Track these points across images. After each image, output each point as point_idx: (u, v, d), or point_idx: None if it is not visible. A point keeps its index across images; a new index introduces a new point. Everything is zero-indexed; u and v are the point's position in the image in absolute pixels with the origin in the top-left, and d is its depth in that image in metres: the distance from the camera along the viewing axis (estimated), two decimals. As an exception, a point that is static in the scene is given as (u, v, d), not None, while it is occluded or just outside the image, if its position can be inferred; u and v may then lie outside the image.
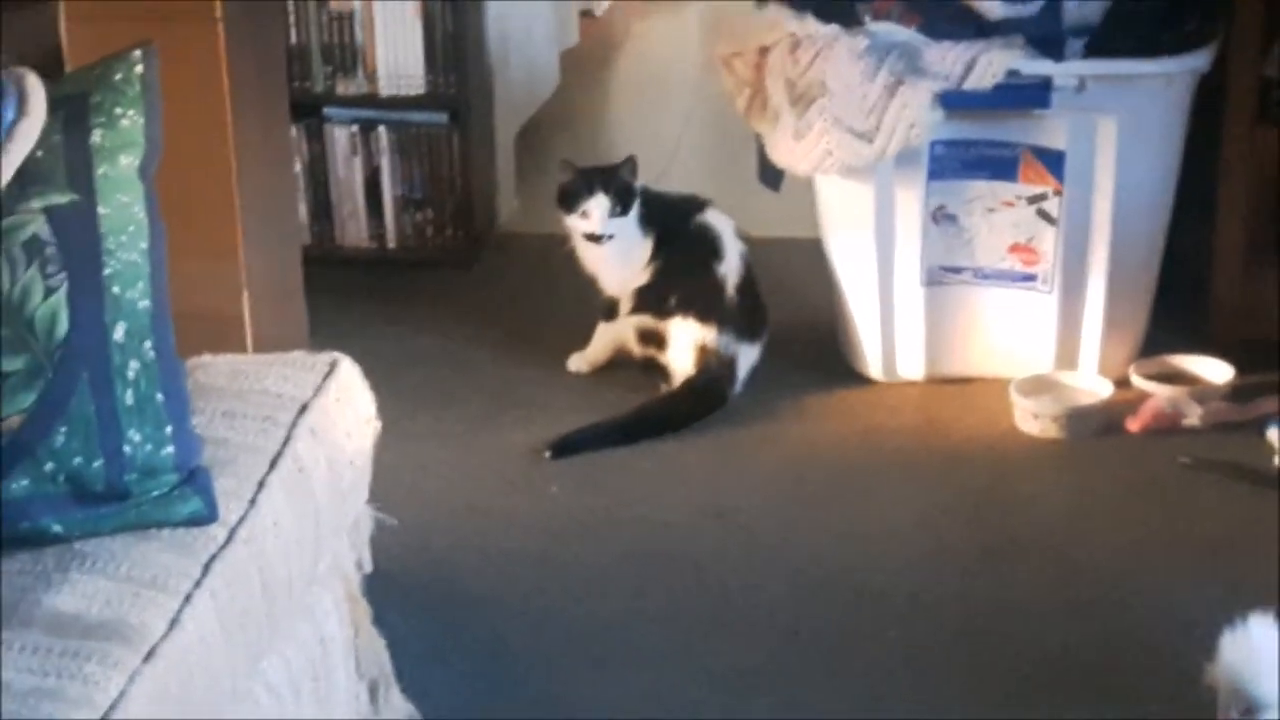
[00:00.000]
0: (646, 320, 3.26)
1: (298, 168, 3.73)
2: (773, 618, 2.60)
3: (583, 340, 3.39)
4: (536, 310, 3.65)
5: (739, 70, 3.22)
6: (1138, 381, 3.26)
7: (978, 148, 3.17)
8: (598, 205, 3.21)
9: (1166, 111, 3.18)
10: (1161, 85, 3.14)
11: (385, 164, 3.85)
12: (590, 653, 2.51)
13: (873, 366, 3.37)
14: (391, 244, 3.91)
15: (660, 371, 3.27)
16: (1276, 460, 2.98)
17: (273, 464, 1.91)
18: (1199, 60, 3.14)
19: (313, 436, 1.97)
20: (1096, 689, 2.37)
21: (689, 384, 3.23)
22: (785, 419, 3.26)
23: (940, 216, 3.23)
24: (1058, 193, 3.17)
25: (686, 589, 2.69)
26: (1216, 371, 3.27)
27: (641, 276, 3.27)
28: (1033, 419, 3.16)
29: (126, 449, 1.78)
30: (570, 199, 3.25)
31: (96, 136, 1.84)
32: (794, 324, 3.51)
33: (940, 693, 2.39)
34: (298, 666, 1.92)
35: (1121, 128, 3.10)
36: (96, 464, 1.77)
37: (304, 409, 2.00)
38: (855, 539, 2.83)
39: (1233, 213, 3.41)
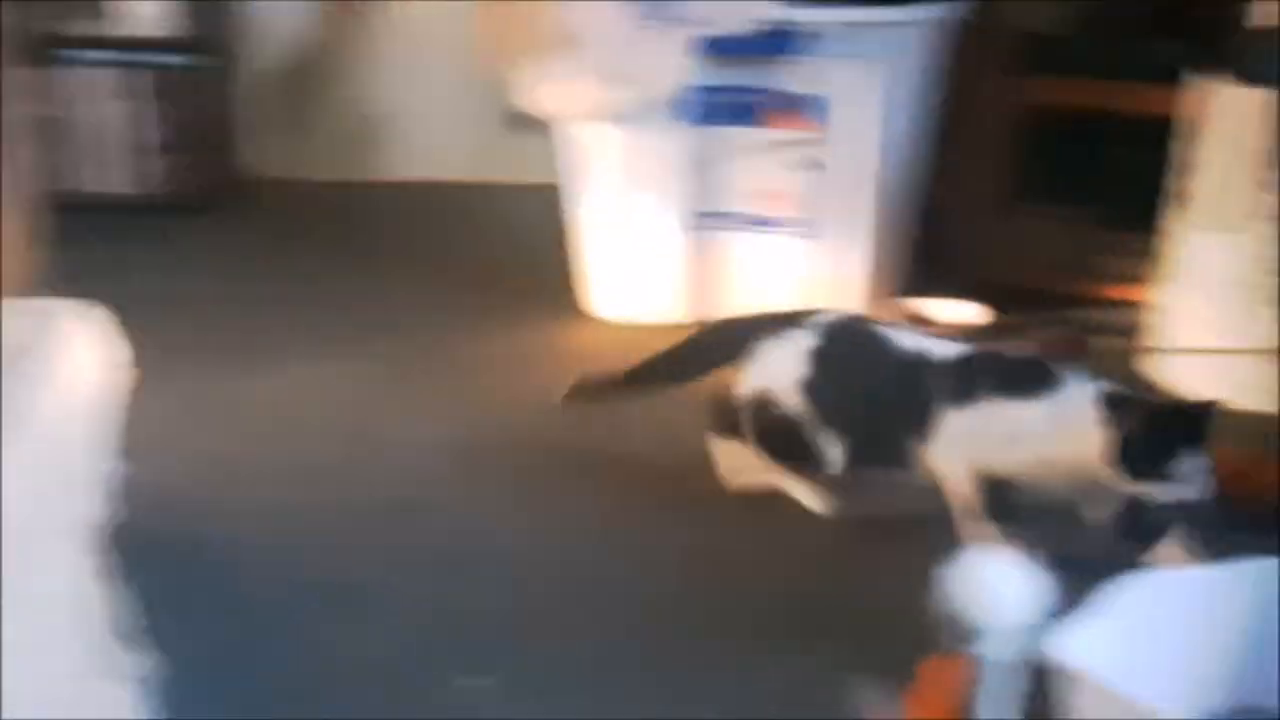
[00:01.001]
0: None
1: (44, 111, 3.63)
2: (525, 560, 2.59)
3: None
4: (291, 255, 3.60)
5: (493, 14, 3.20)
6: (892, 322, 3.34)
7: (734, 93, 3.21)
8: None
9: (920, 58, 3.24)
10: (915, 32, 3.20)
11: (136, 108, 3.78)
12: (336, 602, 2.49)
13: (626, 311, 3.40)
14: (143, 189, 3.84)
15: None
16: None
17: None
18: (952, 8, 3.20)
19: (48, 384, 1.92)
20: (851, 620, 2.42)
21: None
22: (530, 362, 3.28)
23: (698, 162, 3.26)
24: (815, 138, 3.21)
25: (433, 533, 2.67)
26: (967, 314, 3.36)
27: None
28: (788, 360, 3.21)
29: None
30: None
31: None
32: (529, 270, 3.54)
33: (689, 636, 2.40)
34: (33, 621, 1.87)
35: (876, 74, 3.15)
36: None
37: (37, 356, 1.94)
38: (603, 480, 2.84)
39: (982, 162, 3.51)
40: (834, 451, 2.56)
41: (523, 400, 3.12)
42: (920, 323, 3.33)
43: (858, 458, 2.56)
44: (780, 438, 2.60)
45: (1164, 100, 3.19)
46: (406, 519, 2.70)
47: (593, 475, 2.88)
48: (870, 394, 2.53)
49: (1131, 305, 3.42)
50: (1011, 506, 2.38)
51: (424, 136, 4.16)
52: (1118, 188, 3.62)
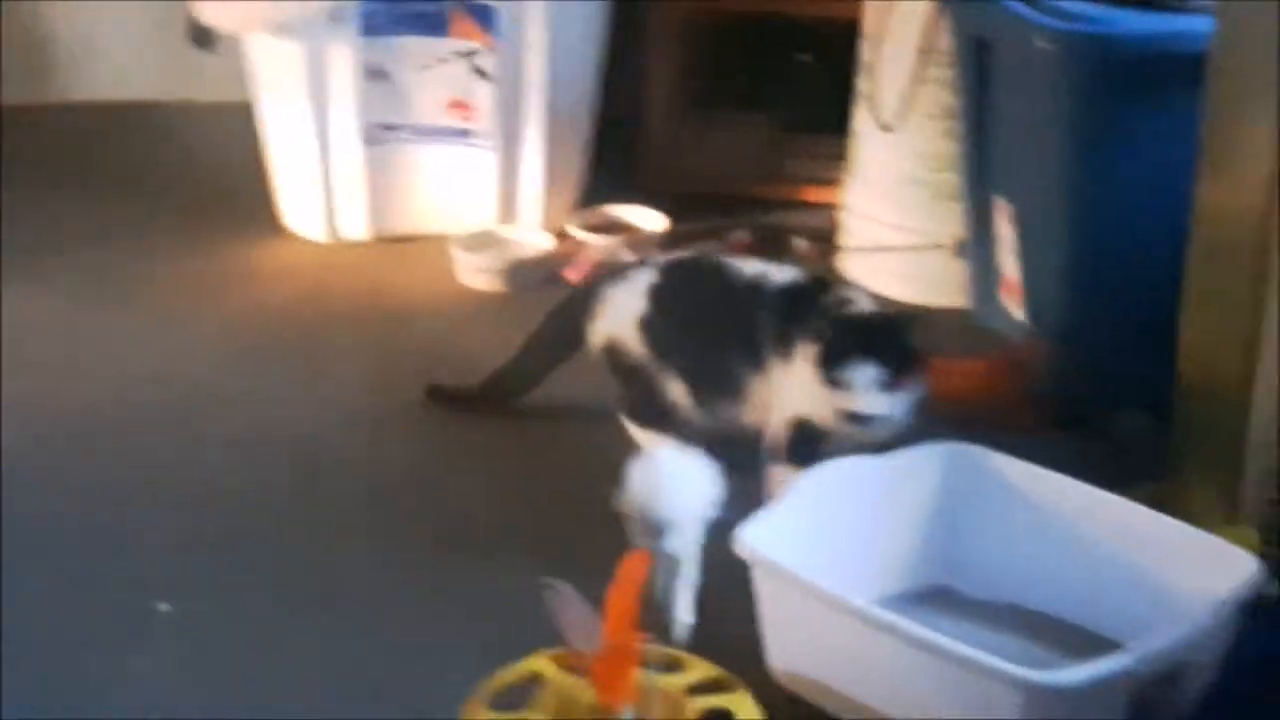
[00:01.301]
0: None
1: None
2: (216, 486, 2.54)
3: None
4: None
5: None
6: (576, 233, 3.34)
7: (408, 4, 3.16)
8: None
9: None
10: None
11: None
12: (34, 535, 2.41)
13: (315, 228, 3.34)
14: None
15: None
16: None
17: None
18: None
19: None
20: (537, 529, 2.42)
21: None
22: (226, 284, 3.21)
23: (374, 74, 3.21)
24: (489, 48, 3.19)
25: (124, 461, 2.60)
26: (650, 220, 3.37)
27: None
28: (476, 273, 3.20)
29: None
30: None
31: None
32: (229, 189, 3.46)
33: (390, 546, 2.39)
34: None
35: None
36: None
37: None
38: (299, 402, 2.79)
39: (661, 70, 3.51)
40: (678, 393, 2.41)
41: (221, 322, 3.06)
42: (606, 230, 3.34)
43: (699, 398, 2.40)
44: (631, 387, 2.46)
45: (847, 4, 3.22)
46: (112, 446, 2.64)
47: (292, 387, 2.84)
48: (708, 330, 2.40)
49: (823, 207, 3.47)
50: (816, 451, 2.27)
51: (110, 56, 4.00)
52: (805, 91, 3.66)
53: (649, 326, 2.38)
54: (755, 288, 2.34)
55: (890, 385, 2.19)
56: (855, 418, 2.16)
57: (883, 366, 2.18)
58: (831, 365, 2.18)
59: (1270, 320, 2.07)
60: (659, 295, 2.40)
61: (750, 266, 2.39)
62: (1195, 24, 2.21)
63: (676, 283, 2.42)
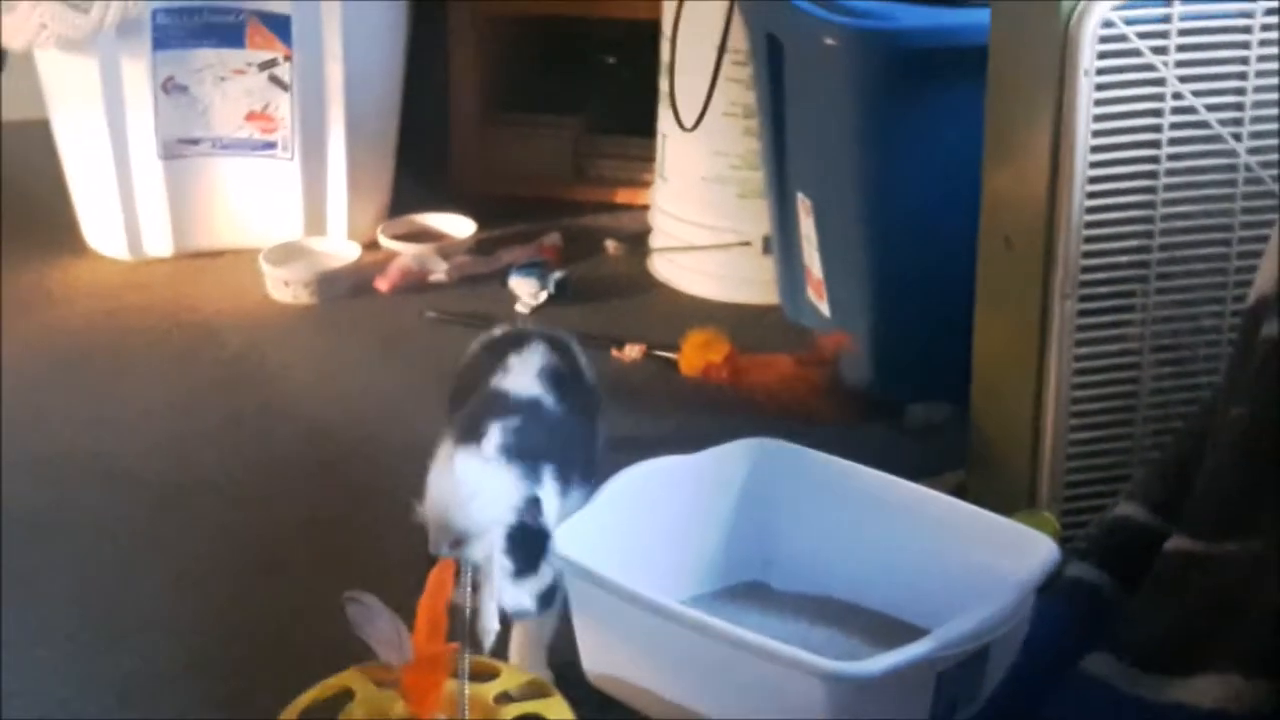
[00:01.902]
0: None
1: None
2: (12, 510, 2.47)
3: None
4: None
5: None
6: (385, 242, 3.32)
7: (202, 15, 3.12)
8: None
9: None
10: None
11: None
12: None
13: (117, 246, 3.29)
14: None
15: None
16: (517, 306, 3.11)
17: None
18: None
19: None
20: (345, 543, 2.40)
21: None
22: (26, 305, 3.14)
23: (171, 87, 3.16)
24: (287, 58, 3.16)
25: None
26: (460, 227, 3.37)
27: None
28: (284, 286, 3.16)
29: None
30: None
31: None
32: (29, 208, 3.40)
33: (199, 568, 2.35)
34: None
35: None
36: None
37: None
38: (105, 423, 2.74)
39: (465, 76, 3.51)
40: None
41: (22, 342, 3.00)
42: (416, 238, 3.32)
43: None
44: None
45: (649, 4, 3.23)
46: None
47: (97, 407, 2.80)
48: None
49: (633, 209, 3.48)
50: None
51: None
52: (611, 93, 3.67)
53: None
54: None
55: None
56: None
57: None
58: None
59: (1058, 309, 2.11)
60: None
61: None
62: (980, 16, 2.24)
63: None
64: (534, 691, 1.92)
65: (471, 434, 1.98)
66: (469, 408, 2.10)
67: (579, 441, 2.16)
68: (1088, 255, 2.09)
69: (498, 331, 2.32)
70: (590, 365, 2.31)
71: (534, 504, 1.98)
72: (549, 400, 2.12)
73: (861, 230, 2.62)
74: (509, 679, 1.94)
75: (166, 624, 2.22)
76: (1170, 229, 2.10)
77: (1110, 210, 2.08)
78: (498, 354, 2.21)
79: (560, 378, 2.18)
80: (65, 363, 2.95)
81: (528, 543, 1.98)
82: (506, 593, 1.96)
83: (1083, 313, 2.12)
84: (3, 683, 2.09)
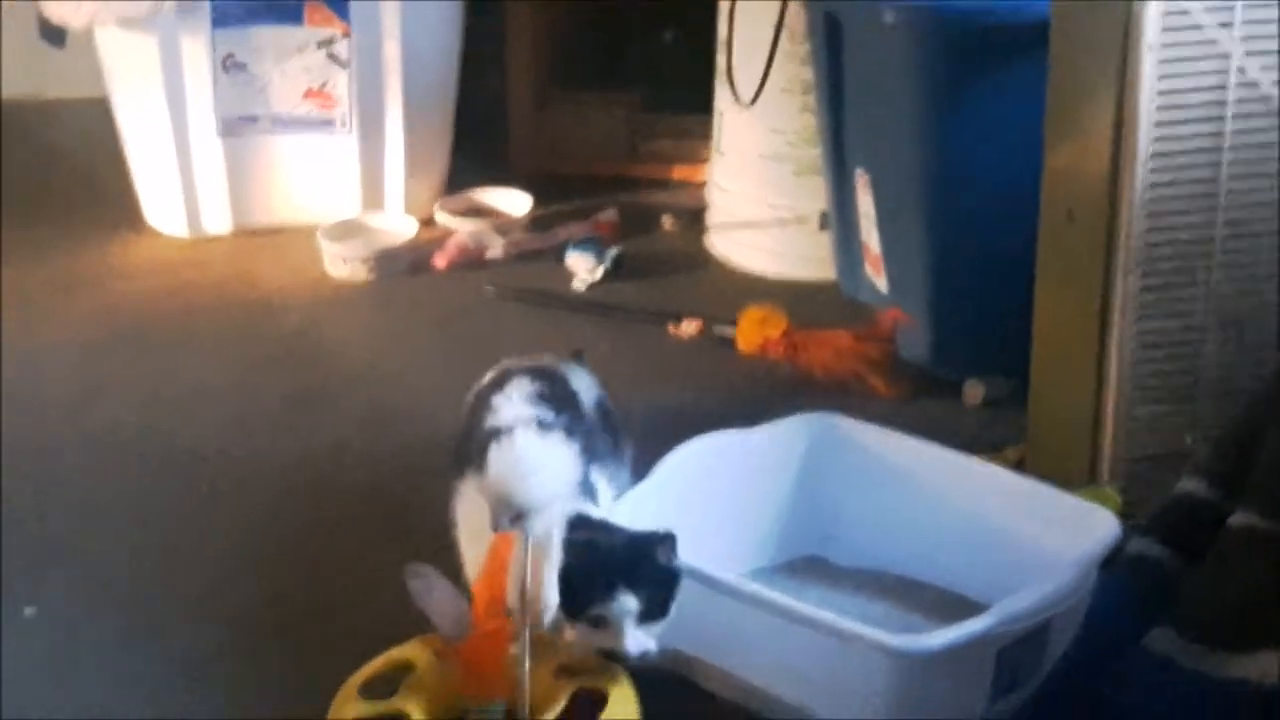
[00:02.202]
0: None
1: None
2: (77, 487, 2.50)
3: None
4: None
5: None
6: (442, 218, 3.33)
7: (274, -8, 3.15)
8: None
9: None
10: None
11: None
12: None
13: (176, 223, 3.31)
14: None
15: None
16: (574, 282, 3.12)
17: None
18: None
19: None
20: (406, 519, 2.40)
21: None
22: (87, 283, 3.17)
23: (230, 65, 3.18)
24: (346, 35, 3.17)
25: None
26: (516, 204, 3.37)
27: None
28: (342, 263, 3.18)
29: None
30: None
31: None
32: (89, 187, 3.42)
33: (256, 544, 2.36)
34: None
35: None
36: None
37: None
38: (164, 400, 2.76)
39: (521, 53, 3.51)
40: None
41: (83, 320, 3.02)
42: (472, 214, 3.33)
43: None
44: None
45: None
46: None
47: (157, 383, 2.81)
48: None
49: (689, 185, 3.48)
50: None
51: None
52: (668, 69, 3.67)
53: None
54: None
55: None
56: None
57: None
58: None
59: (1120, 284, 2.10)
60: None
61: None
62: (1037, -7, 2.24)
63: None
64: (594, 666, 1.93)
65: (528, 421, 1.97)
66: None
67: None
68: (1151, 230, 2.08)
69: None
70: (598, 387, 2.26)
71: (670, 544, 1.88)
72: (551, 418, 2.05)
73: (920, 206, 2.61)
74: (569, 653, 1.94)
75: (225, 599, 2.23)
76: (1234, 204, 2.08)
77: (1174, 185, 2.07)
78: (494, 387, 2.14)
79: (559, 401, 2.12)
80: (125, 339, 2.97)
81: (660, 584, 1.89)
82: (630, 636, 1.87)
83: (1145, 288, 2.10)
84: (68, 656, 2.11)
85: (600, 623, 1.87)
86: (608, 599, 1.85)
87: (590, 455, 2.01)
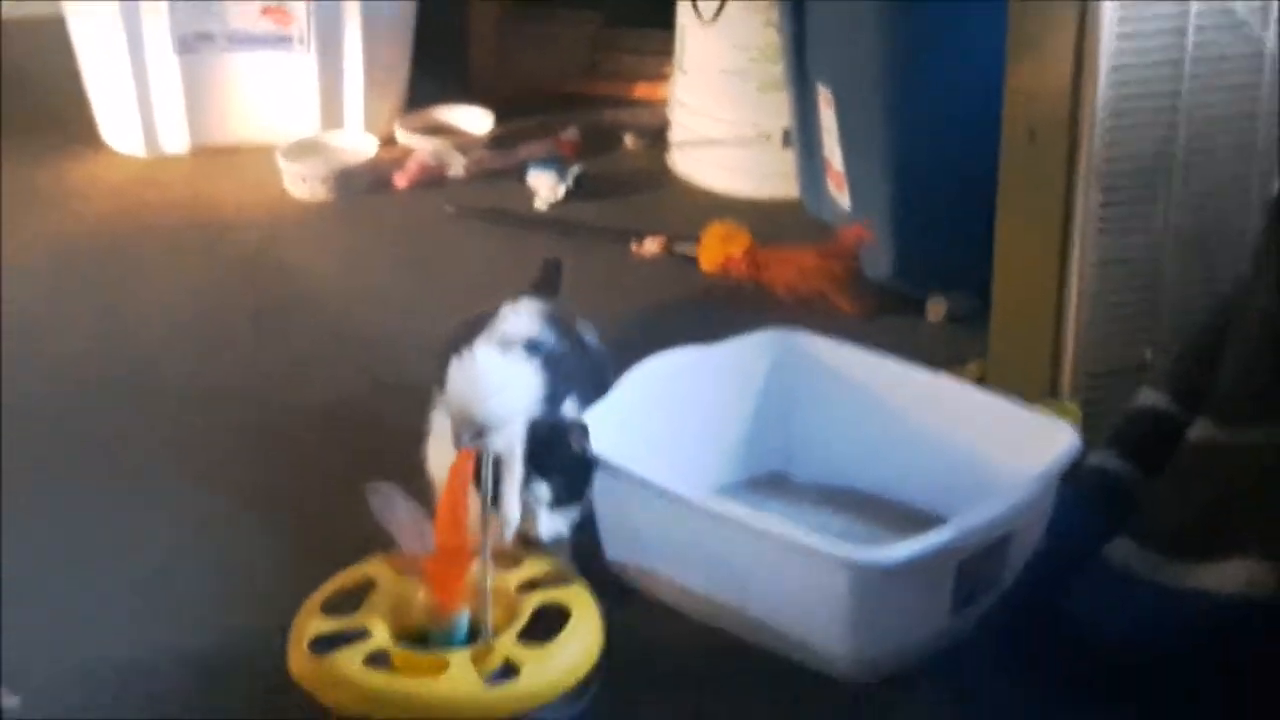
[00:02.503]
0: None
1: None
2: (33, 409, 2.48)
3: None
4: None
5: None
6: (403, 137, 3.31)
7: (215, -94, 3.11)
8: None
9: None
10: None
11: None
12: None
13: (133, 143, 3.28)
14: None
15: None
16: (535, 202, 3.10)
17: None
18: None
19: None
20: (368, 437, 2.39)
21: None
22: (43, 203, 3.14)
23: (190, -19, 3.15)
24: (289, -52, 3.15)
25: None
26: (477, 122, 3.35)
27: None
28: (301, 182, 3.15)
29: None
30: None
31: None
32: (44, 106, 3.40)
33: (219, 463, 2.36)
34: None
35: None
36: None
37: None
38: (125, 320, 2.74)
39: (482, -33, 3.48)
40: None
41: (39, 241, 3.00)
42: (433, 133, 3.31)
43: None
44: None
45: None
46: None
47: (116, 303, 2.79)
48: None
49: (651, 103, 3.46)
50: None
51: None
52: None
53: None
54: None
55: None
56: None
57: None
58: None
59: (1081, 201, 2.10)
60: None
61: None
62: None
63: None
64: (557, 580, 1.93)
65: (489, 333, 1.97)
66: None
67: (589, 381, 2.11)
68: (1111, 146, 2.08)
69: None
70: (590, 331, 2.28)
71: (581, 431, 1.96)
72: (552, 339, 2.08)
73: (883, 122, 2.60)
74: (531, 568, 1.94)
75: (191, 521, 2.23)
76: (1195, 119, 2.09)
77: (1135, 100, 2.07)
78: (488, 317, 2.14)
79: (561, 324, 2.14)
80: (83, 260, 2.95)
81: (572, 471, 1.97)
82: (543, 521, 1.96)
83: (1106, 204, 2.11)
84: (32, 576, 2.10)
85: (499, 476, 1.91)
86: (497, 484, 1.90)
87: (569, 385, 2.02)
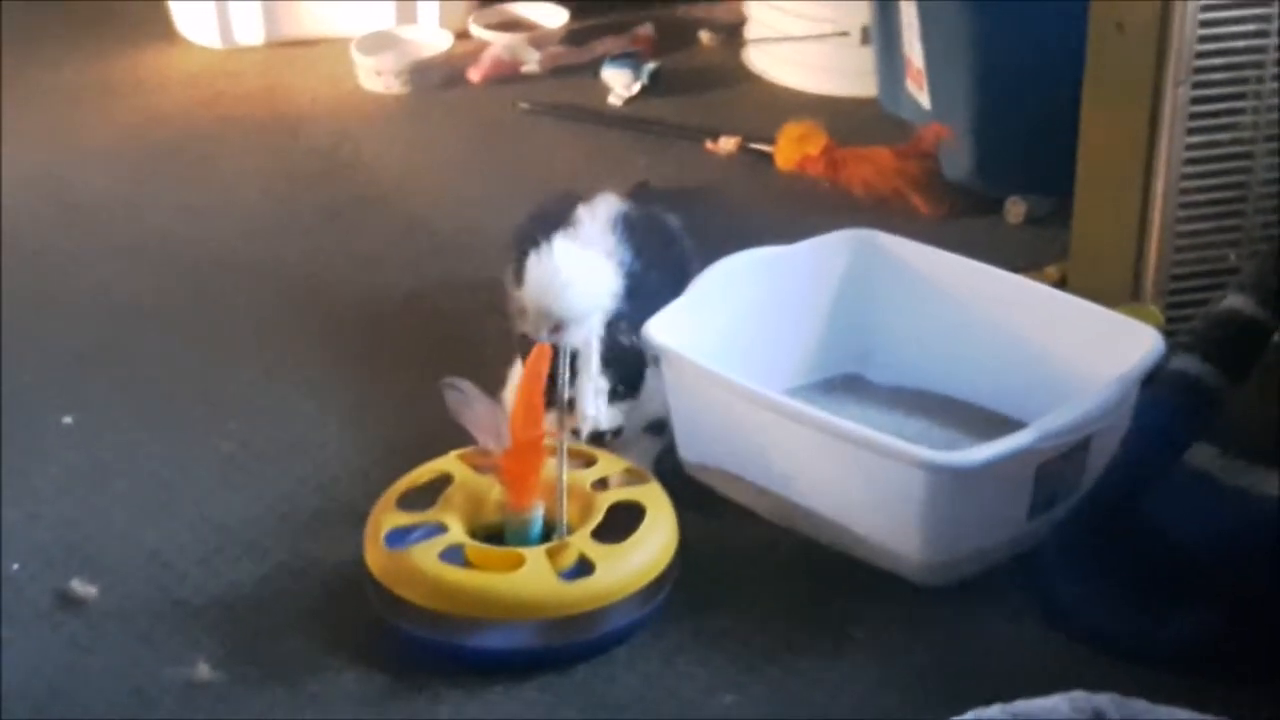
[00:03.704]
0: None
1: None
2: (111, 295, 2.50)
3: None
4: None
5: None
6: (477, 31, 3.28)
7: None
8: None
9: None
10: None
11: None
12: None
13: (209, 34, 3.28)
14: None
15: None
16: (610, 99, 3.08)
17: None
18: None
19: None
20: (443, 332, 2.39)
21: None
22: (120, 92, 3.14)
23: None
24: None
25: (17, 270, 2.53)
26: (552, 17, 3.32)
27: None
28: (375, 76, 3.13)
29: None
30: None
31: None
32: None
33: (292, 351, 2.36)
34: None
35: None
36: None
37: None
38: (198, 211, 2.74)
39: None
40: None
41: (116, 130, 3.00)
42: (507, 28, 3.28)
43: None
44: None
45: None
46: (5, 258, 2.57)
47: (190, 195, 2.80)
48: None
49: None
50: None
51: None
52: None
53: None
54: None
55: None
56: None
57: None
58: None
59: (1170, 97, 2.05)
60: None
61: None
62: None
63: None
64: (631, 479, 1.93)
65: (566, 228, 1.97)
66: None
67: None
68: (1203, 40, 2.03)
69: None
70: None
71: (625, 324, 1.97)
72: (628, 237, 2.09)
73: (965, 17, 2.55)
74: (606, 466, 1.94)
75: (265, 408, 2.24)
76: (1291, 12, 2.04)
77: (1227, -9, 2.02)
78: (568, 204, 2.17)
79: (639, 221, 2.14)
80: (160, 151, 2.94)
81: (621, 362, 1.98)
82: (603, 414, 1.98)
83: (1195, 100, 2.06)
84: (106, 464, 2.12)
85: (573, 403, 1.96)
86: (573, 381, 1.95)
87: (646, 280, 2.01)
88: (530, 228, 2.12)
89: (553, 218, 2.08)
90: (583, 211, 2.13)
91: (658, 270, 2.08)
